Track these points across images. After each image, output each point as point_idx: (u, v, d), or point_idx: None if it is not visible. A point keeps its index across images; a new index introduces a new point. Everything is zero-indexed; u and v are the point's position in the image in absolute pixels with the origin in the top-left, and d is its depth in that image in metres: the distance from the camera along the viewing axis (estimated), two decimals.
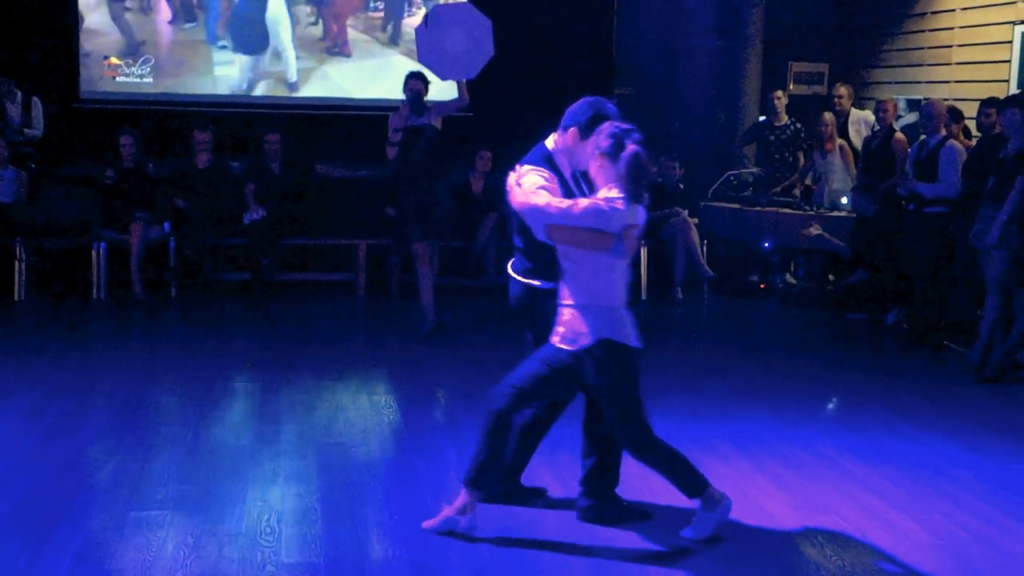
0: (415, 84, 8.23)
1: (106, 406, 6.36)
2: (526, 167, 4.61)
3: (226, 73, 12.18)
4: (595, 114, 4.57)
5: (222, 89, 12.19)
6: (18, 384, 6.74)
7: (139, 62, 11.94)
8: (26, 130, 10.37)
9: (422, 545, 4.49)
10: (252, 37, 12.15)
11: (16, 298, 9.33)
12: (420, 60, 8.24)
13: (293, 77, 12.11)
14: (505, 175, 4.69)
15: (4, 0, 11.51)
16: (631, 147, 4.35)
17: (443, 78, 8.27)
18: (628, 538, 4.61)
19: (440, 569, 4.28)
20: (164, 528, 4.58)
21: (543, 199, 4.42)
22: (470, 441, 5.17)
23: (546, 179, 4.53)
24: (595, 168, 4.47)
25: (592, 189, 4.55)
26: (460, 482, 4.64)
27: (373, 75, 12.26)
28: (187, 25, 12.07)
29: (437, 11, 8.48)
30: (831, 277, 10.45)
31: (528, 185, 4.50)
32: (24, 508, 4.76)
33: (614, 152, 4.37)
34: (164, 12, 11.99)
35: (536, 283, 4.65)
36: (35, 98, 10.58)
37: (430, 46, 8.05)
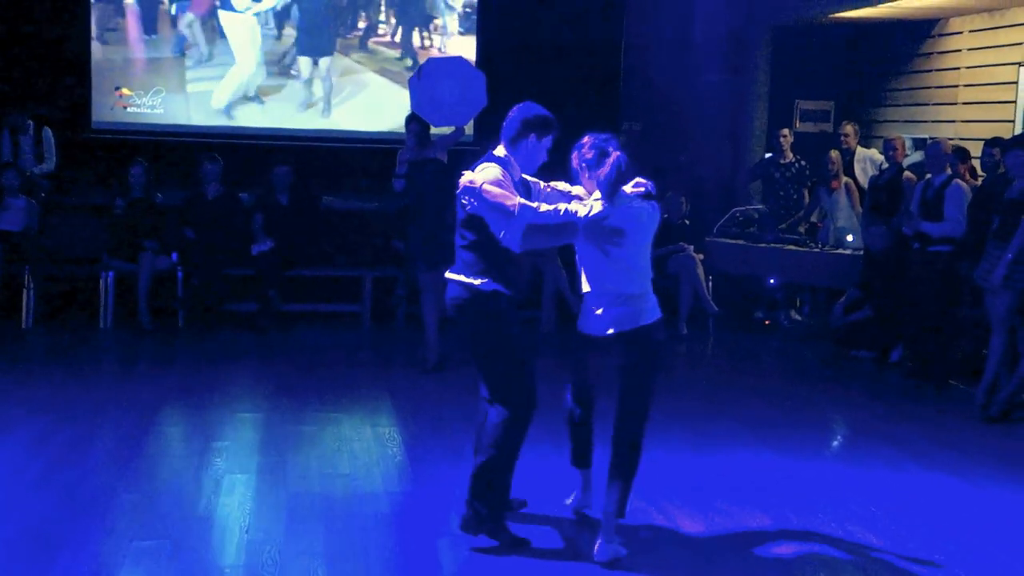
0: (414, 127, 8.48)
1: (111, 435, 6.37)
2: (484, 164, 4.82)
3: (236, 106, 12.30)
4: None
5: (232, 121, 12.29)
6: (24, 412, 6.75)
7: (150, 93, 12.05)
8: (35, 169, 10.45)
9: (421, 572, 4.50)
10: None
11: (24, 326, 9.36)
12: (412, 108, 8.56)
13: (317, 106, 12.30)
14: None
15: (17, 31, 11.65)
16: (615, 154, 4.70)
17: (435, 125, 8.56)
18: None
19: None
20: (167, 558, 4.58)
21: (518, 200, 4.65)
22: None
23: (502, 177, 4.73)
24: (584, 179, 4.86)
25: (529, 195, 4.88)
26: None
27: (381, 108, 12.37)
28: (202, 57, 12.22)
29: (430, 64, 8.84)
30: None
31: (491, 180, 4.69)
32: (27, 536, 4.77)
33: (597, 161, 4.74)
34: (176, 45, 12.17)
35: (478, 282, 4.77)
36: (46, 130, 10.66)
37: (422, 96, 8.38)
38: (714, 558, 4.82)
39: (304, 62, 12.29)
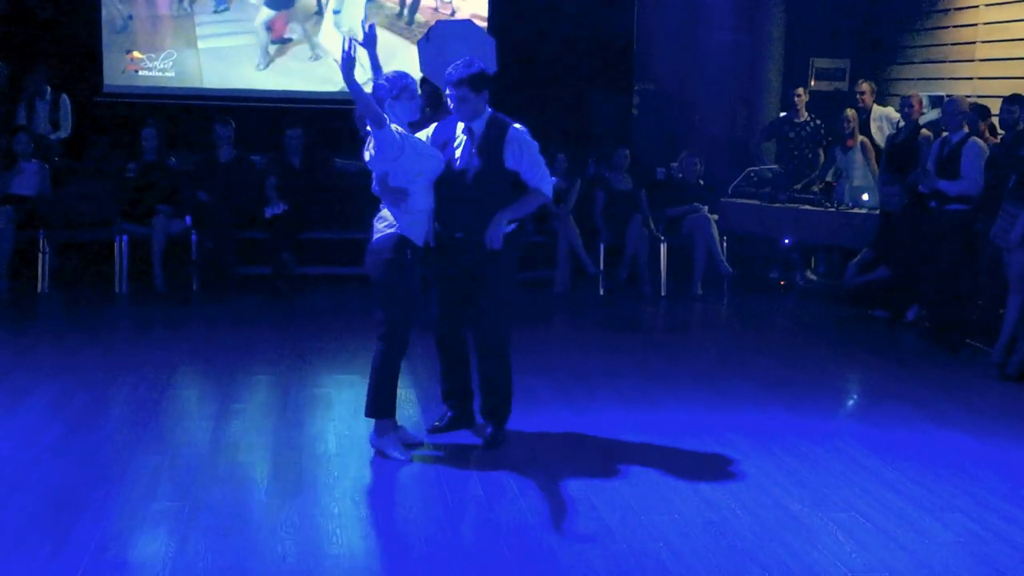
0: (426, 90, 8.44)
1: (127, 399, 6.40)
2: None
3: (248, 66, 12.26)
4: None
5: (245, 83, 12.25)
6: (40, 376, 6.78)
7: (161, 56, 12.01)
8: (52, 136, 10.47)
9: (440, 536, 4.51)
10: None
11: (39, 291, 9.39)
12: (421, 70, 8.51)
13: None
14: None
15: None
16: None
17: (444, 87, 8.55)
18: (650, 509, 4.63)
19: (457, 558, 4.31)
20: (185, 521, 4.61)
21: None
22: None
23: None
24: None
25: None
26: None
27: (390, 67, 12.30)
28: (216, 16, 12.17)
29: (439, 26, 8.79)
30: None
31: None
32: (45, 500, 4.79)
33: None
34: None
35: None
36: (63, 96, 10.66)
37: (431, 58, 8.34)
38: (728, 516, 4.82)
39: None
